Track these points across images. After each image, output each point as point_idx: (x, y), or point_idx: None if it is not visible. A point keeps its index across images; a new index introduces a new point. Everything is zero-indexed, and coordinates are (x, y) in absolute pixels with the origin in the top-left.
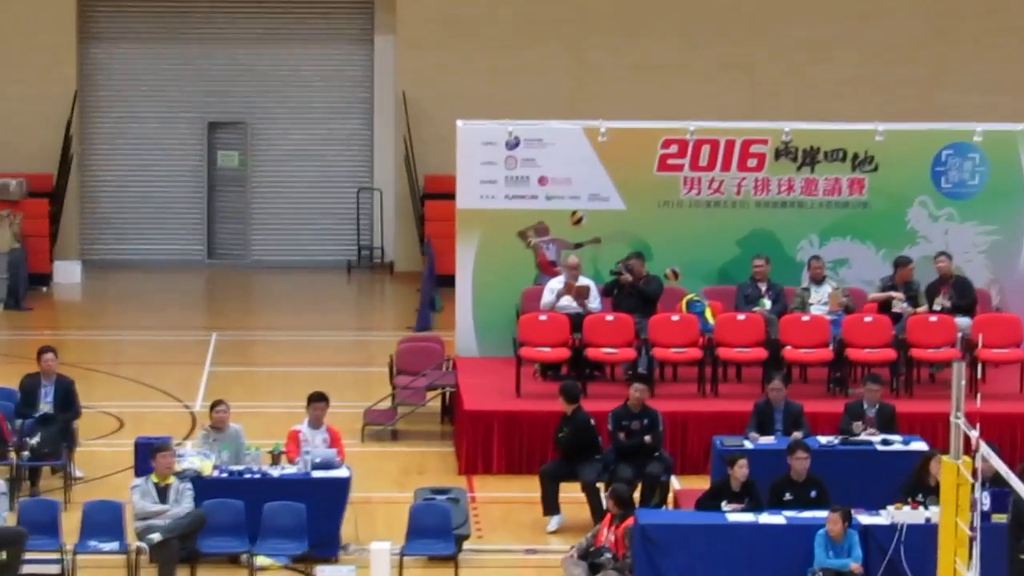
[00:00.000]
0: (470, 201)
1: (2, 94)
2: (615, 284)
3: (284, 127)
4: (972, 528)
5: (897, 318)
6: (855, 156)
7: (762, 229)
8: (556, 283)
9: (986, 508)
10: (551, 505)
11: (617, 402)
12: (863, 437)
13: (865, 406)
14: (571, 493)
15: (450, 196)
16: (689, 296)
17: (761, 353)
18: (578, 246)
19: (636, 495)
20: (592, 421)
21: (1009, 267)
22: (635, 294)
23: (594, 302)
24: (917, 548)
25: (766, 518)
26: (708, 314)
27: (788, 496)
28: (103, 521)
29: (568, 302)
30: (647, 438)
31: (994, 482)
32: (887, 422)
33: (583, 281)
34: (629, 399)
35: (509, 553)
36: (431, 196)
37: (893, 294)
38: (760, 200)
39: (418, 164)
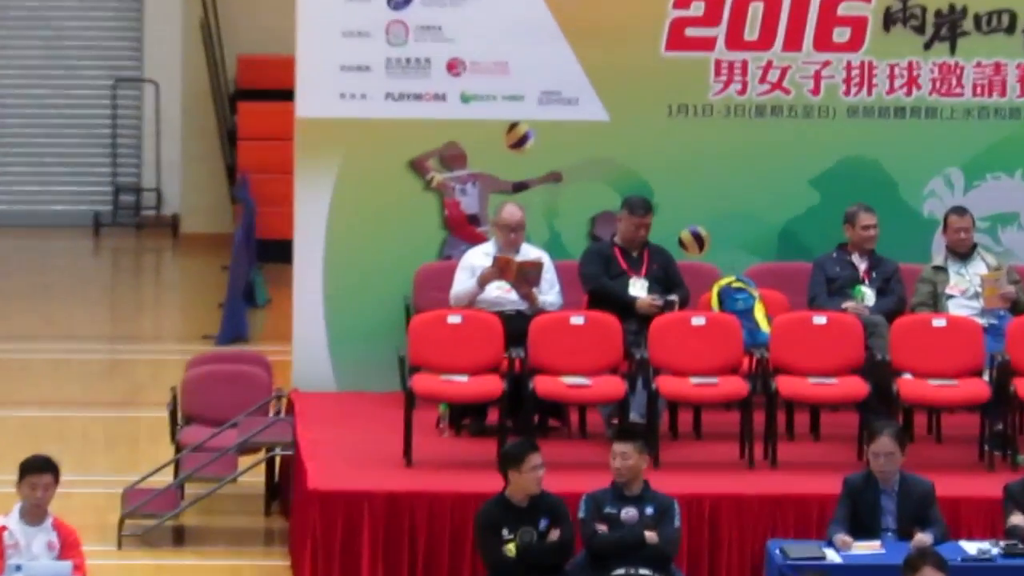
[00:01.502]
0: (321, 104)
1: None
2: (640, 312)
3: None
4: None
5: None
6: None
7: (860, 158)
8: (479, 256)
9: None
10: None
11: (590, 477)
12: None
13: None
14: None
15: (284, 95)
16: (724, 281)
17: (857, 387)
18: (520, 188)
19: None
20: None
21: None
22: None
23: (550, 292)
24: None
25: None
26: (758, 313)
27: None
28: None
29: (501, 292)
30: (649, 535)
31: None
32: None
33: (529, 252)
34: (614, 471)
35: None
36: (248, 95)
37: None
38: (856, 105)
39: (225, 38)
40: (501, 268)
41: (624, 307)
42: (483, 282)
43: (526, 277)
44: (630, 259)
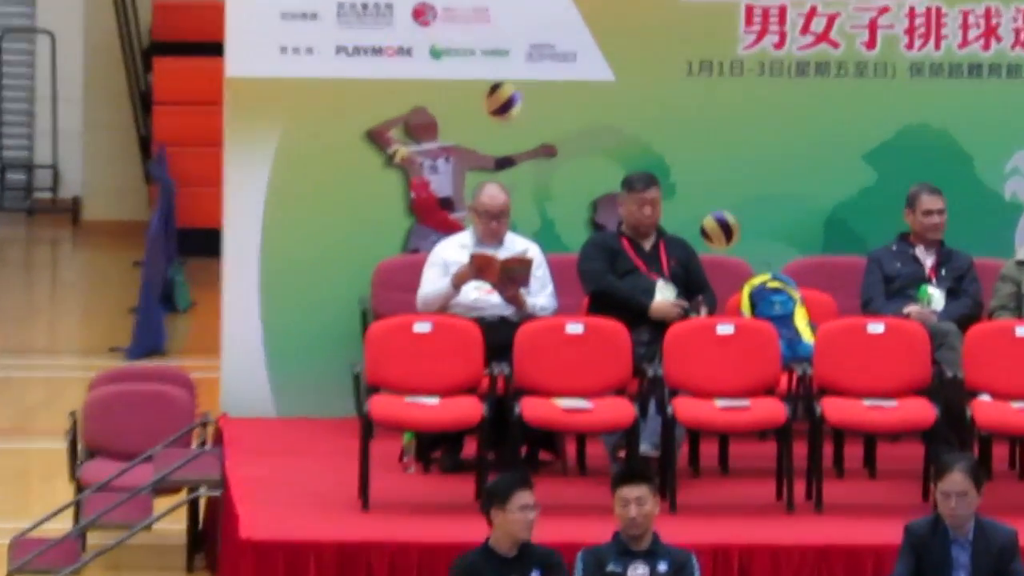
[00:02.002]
0: (256, 61)
1: None
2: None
3: None
4: None
5: None
6: None
7: (925, 127)
8: (454, 249)
9: None
10: None
11: (590, 524)
12: None
13: None
14: None
15: (210, 49)
16: (758, 280)
17: (922, 411)
18: (504, 165)
19: None
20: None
21: None
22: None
23: (540, 294)
24: None
25: None
26: (800, 320)
27: None
28: None
29: (481, 294)
30: None
31: None
32: None
33: (515, 244)
34: (625, 521)
35: None
36: (166, 49)
37: None
38: (921, 61)
39: None
40: (480, 267)
41: (634, 312)
42: (458, 282)
43: (512, 276)
44: (642, 252)
